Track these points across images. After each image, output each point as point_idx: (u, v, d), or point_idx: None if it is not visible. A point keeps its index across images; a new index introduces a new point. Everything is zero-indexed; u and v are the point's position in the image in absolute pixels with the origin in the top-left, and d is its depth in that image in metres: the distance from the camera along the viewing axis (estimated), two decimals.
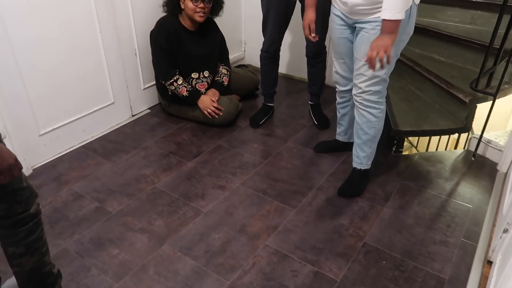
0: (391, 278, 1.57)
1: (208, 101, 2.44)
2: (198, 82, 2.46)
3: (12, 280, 1.38)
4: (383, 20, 1.51)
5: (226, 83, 2.58)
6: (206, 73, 2.52)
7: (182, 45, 2.41)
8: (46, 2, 1.96)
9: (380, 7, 1.52)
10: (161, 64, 2.42)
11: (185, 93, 2.42)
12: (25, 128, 2.07)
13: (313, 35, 1.89)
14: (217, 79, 2.58)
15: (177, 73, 2.43)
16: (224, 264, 1.62)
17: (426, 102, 2.41)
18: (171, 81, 2.41)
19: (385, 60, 1.54)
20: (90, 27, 2.21)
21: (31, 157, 2.14)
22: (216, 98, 2.47)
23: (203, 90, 2.49)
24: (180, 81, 2.40)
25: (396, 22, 1.50)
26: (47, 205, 1.92)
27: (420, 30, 2.52)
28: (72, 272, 1.58)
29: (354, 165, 2.02)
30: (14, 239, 1.18)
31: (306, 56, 2.43)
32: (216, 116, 2.44)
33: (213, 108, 2.43)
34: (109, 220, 1.84)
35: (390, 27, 1.51)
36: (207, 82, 2.52)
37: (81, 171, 2.15)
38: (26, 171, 2.10)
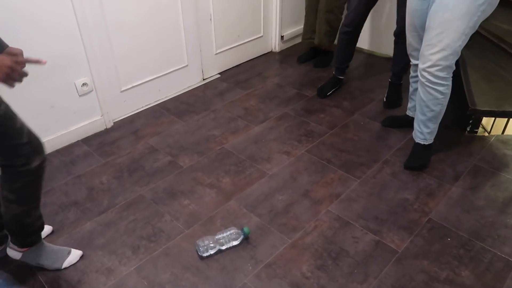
0: (455, 255, 1.55)
1: None
2: None
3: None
4: None
5: None
6: None
7: None
8: None
9: None
10: None
11: None
12: (109, 84, 2.24)
13: None
14: None
15: None
16: (287, 224, 1.68)
17: (510, 82, 2.25)
18: None
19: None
20: None
21: (113, 111, 2.32)
22: None
23: None
24: None
25: None
26: (126, 155, 2.08)
27: (508, 3, 2.33)
28: (147, 216, 1.73)
29: (417, 140, 1.97)
30: (10, 186, 1.26)
31: (394, 34, 2.30)
32: None
33: None
34: (181, 173, 1.96)
35: None
36: None
37: (156, 127, 2.30)
38: (108, 124, 2.29)
